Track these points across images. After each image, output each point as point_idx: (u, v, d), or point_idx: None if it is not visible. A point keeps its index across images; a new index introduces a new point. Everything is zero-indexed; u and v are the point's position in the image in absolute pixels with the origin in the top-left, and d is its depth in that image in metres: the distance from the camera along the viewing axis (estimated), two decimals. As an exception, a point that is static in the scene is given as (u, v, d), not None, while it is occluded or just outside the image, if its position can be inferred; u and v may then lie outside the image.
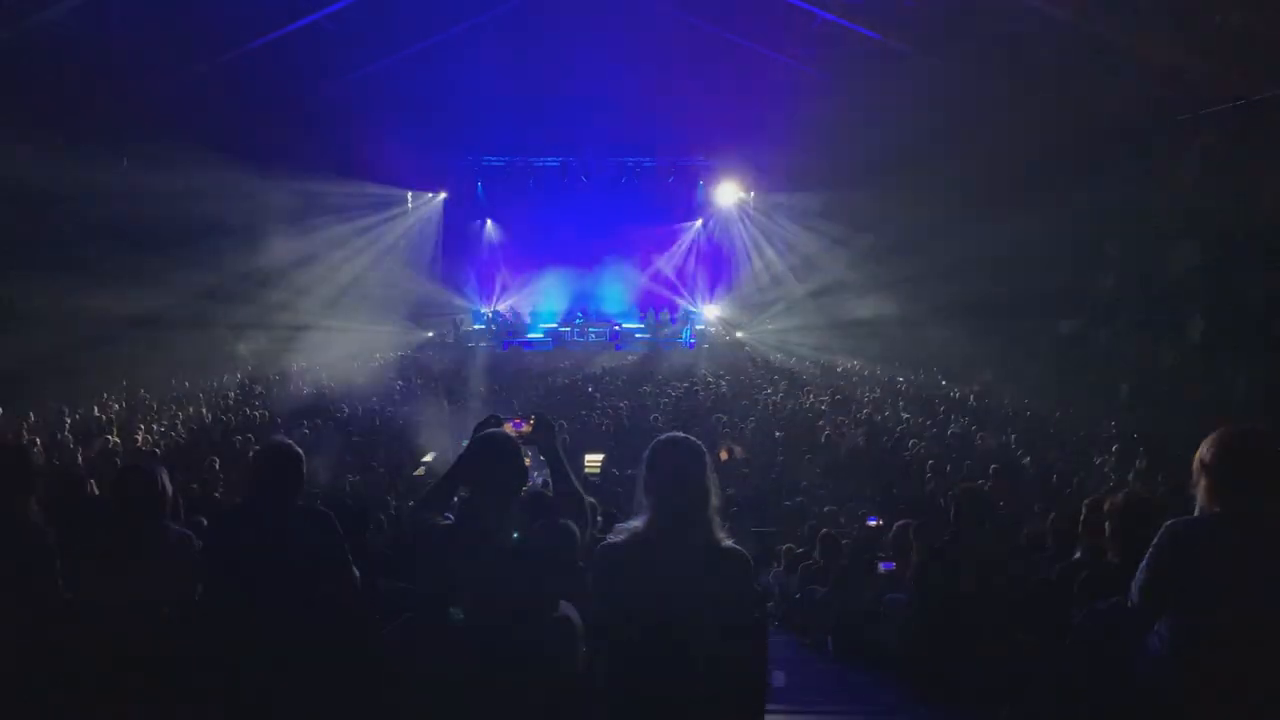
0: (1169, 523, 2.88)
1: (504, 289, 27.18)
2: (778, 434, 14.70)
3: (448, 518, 3.01)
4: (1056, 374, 15.53)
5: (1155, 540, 2.87)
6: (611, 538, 2.79)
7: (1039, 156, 14.44)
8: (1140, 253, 14.18)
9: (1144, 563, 2.88)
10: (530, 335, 25.50)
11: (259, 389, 17.44)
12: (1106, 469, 11.02)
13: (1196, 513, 2.90)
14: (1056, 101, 13.69)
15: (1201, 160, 12.67)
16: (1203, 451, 2.86)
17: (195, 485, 8.72)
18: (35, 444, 10.43)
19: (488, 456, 2.97)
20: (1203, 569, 2.76)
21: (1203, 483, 2.86)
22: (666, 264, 27.19)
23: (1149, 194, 13.34)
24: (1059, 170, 14.68)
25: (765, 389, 18.48)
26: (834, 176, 20.18)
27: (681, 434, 2.90)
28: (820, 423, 15.01)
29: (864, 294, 20.10)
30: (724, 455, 12.09)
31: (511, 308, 26.58)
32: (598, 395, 17.48)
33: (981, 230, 15.45)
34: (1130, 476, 10.14)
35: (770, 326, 24.46)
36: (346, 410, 15.43)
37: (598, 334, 24.62)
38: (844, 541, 7.95)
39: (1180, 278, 13.25)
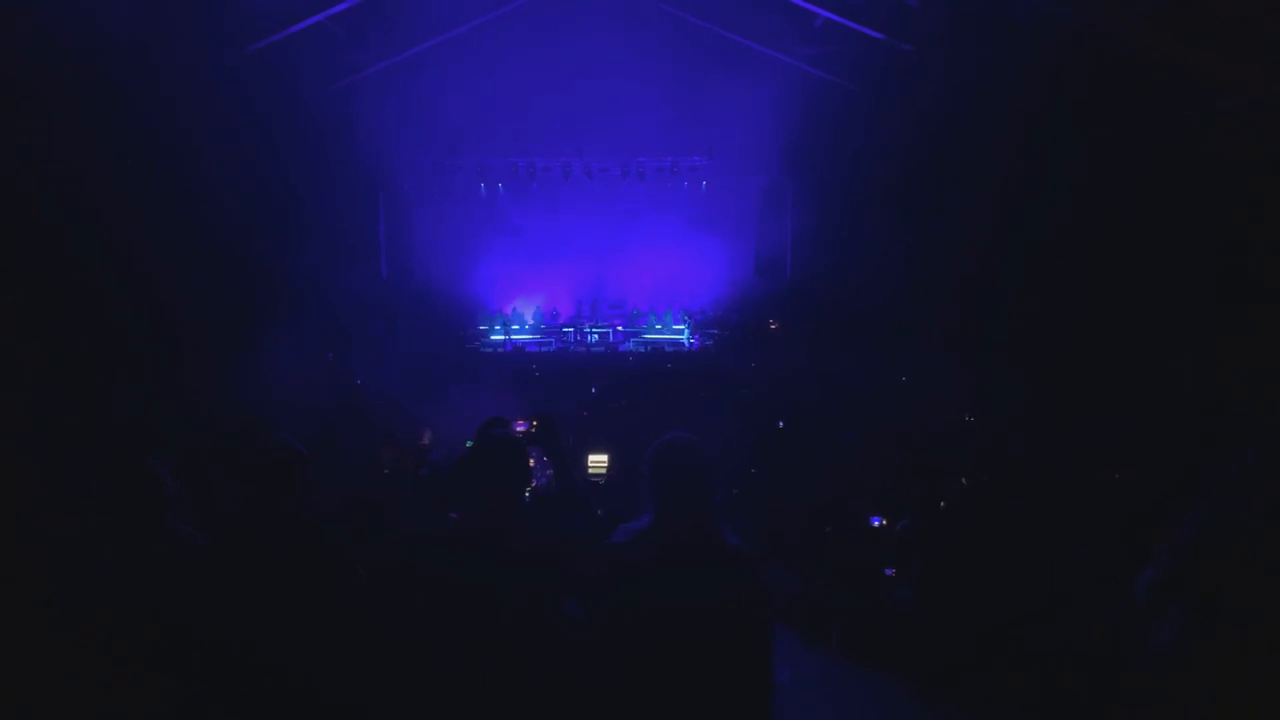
0: (1174, 524, 2.87)
1: (505, 290, 27.14)
2: (780, 425, 14.70)
3: (453, 517, 3.01)
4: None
5: (1159, 541, 2.86)
6: (616, 537, 2.79)
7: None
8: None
9: (1149, 563, 2.88)
10: (533, 336, 25.49)
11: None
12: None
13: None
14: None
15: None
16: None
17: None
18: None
19: (492, 457, 2.98)
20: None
21: (1207, 481, 2.85)
22: (671, 263, 27.15)
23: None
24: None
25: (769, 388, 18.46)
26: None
27: (683, 434, 2.90)
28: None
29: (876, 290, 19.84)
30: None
31: (514, 308, 26.56)
32: (601, 394, 17.48)
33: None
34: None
35: (774, 324, 24.40)
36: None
37: (601, 334, 24.61)
38: (847, 540, 7.94)
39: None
